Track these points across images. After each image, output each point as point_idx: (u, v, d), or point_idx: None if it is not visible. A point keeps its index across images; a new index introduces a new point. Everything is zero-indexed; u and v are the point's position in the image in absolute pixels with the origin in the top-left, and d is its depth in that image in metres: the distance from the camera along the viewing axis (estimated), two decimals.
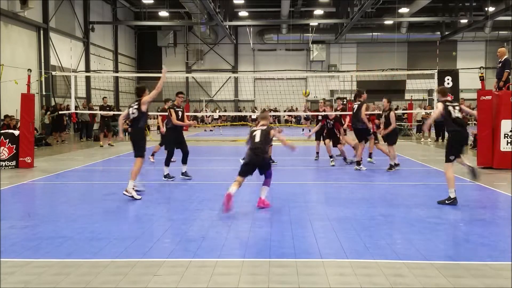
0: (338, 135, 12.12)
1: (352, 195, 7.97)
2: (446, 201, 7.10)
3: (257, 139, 7.08)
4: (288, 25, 36.07)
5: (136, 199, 7.47)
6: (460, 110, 7.39)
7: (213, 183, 9.31)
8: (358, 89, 11.81)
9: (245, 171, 6.99)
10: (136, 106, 7.81)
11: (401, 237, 5.41)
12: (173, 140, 9.66)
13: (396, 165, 10.97)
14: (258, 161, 7.00)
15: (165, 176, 9.45)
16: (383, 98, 11.44)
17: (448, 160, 7.17)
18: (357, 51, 39.99)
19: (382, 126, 11.21)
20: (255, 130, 7.26)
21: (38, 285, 3.99)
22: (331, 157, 12.03)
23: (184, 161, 9.61)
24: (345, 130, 12.48)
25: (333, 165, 11.67)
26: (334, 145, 12.11)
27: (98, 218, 6.34)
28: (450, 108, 7.23)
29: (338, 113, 12.43)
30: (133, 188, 7.54)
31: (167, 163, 9.58)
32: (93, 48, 31.02)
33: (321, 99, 13.25)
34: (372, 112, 13.40)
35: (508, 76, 11.40)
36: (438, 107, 7.34)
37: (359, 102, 11.18)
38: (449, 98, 7.69)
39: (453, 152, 7.20)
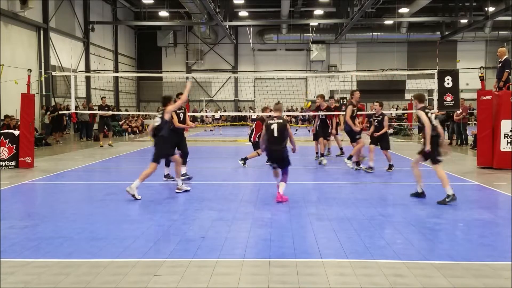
0: (330, 129, 12.12)
1: (352, 195, 7.97)
2: (446, 200, 7.11)
3: (276, 133, 7.51)
4: (288, 25, 36.06)
5: (137, 199, 7.48)
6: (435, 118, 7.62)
7: (213, 183, 9.30)
8: (351, 90, 11.63)
9: (272, 163, 7.73)
10: (160, 115, 8.05)
11: (401, 237, 5.41)
12: (174, 141, 9.58)
13: (370, 168, 10.56)
14: (277, 156, 7.54)
15: (165, 176, 9.45)
16: (375, 102, 11.16)
17: (436, 161, 7.31)
18: (357, 51, 39.98)
19: (372, 129, 10.93)
20: (271, 124, 7.58)
21: (38, 285, 3.99)
22: (322, 155, 12.19)
23: (184, 162, 9.58)
24: (337, 130, 12.48)
25: (324, 164, 11.80)
26: (325, 138, 12.26)
27: (98, 218, 6.35)
28: (430, 115, 7.48)
29: (326, 113, 12.41)
30: (137, 188, 7.60)
31: (167, 163, 9.58)
32: (93, 48, 31.02)
33: (315, 97, 13.17)
34: (361, 112, 13.34)
35: (508, 76, 11.40)
36: (422, 116, 7.40)
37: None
38: (425, 105, 7.76)
39: (439, 153, 7.37)
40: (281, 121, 7.57)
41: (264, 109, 13.26)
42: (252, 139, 11.98)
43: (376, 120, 10.91)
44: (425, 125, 7.29)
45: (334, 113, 12.62)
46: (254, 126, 12.25)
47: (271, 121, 7.64)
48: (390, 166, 10.75)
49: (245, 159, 11.70)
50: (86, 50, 30.14)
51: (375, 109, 11.23)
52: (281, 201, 7.26)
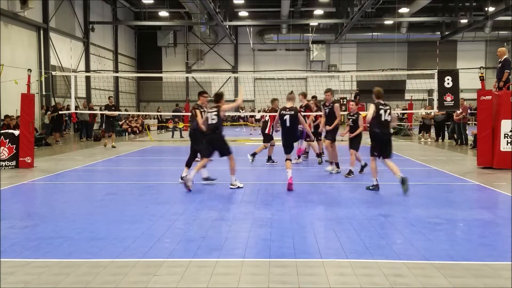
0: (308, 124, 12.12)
1: (352, 195, 7.98)
2: (370, 187, 8.24)
3: (288, 123, 8.45)
4: (288, 25, 36.04)
5: (240, 187, 8.46)
6: (390, 114, 8.03)
7: (213, 183, 9.29)
8: (328, 88, 11.15)
9: (286, 150, 8.57)
10: (215, 113, 8.36)
11: (401, 237, 5.41)
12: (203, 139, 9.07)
13: (363, 168, 10.25)
14: (292, 141, 8.71)
15: (182, 178, 8.99)
16: (350, 101, 10.96)
17: (372, 154, 8.16)
18: (357, 51, 39.96)
19: (347, 129, 10.35)
20: (285, 114, 8.49)
21: (38, 285, 3.99)
22: (319, 155, 12.29)
23: (190, 163, 9.40)
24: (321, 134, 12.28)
25: (297, 162, 12.02)
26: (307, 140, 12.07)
27: (98, 218, 6.35)
28: (382, 111, 7.93)
29: (307, 113, 12.32)
30: (236, 180, 8.51)
31: (189, 163, 9.31)
32: (93, 48, 31.02)
33: (299, 94, 13.02)
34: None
35: (508, 76, 11.40)
36: (370, 108, 7.99)
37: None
38: (381, 101, 8.10)
39: (376, 149, 8.06)
40: (292, 112, 8.40)
41: (273, 101, 12.89)
42: (266, 131, 12.10)
43: (351, 120, 10.16)
44: (367, 116, 8.03)
45: (312, 113, 12.43)
46: (268, 118, 12.32)
47: (284, 112, 8.49)
48: (350, 172, 9.99)
49: (254, 155, 11.84)
50: (86, 50, 30.14)
51: (350, 109, 10.69)
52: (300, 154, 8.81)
